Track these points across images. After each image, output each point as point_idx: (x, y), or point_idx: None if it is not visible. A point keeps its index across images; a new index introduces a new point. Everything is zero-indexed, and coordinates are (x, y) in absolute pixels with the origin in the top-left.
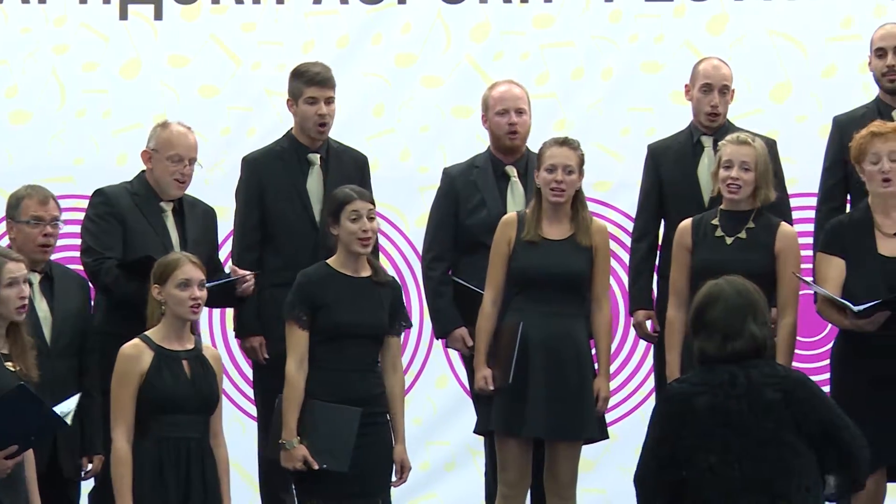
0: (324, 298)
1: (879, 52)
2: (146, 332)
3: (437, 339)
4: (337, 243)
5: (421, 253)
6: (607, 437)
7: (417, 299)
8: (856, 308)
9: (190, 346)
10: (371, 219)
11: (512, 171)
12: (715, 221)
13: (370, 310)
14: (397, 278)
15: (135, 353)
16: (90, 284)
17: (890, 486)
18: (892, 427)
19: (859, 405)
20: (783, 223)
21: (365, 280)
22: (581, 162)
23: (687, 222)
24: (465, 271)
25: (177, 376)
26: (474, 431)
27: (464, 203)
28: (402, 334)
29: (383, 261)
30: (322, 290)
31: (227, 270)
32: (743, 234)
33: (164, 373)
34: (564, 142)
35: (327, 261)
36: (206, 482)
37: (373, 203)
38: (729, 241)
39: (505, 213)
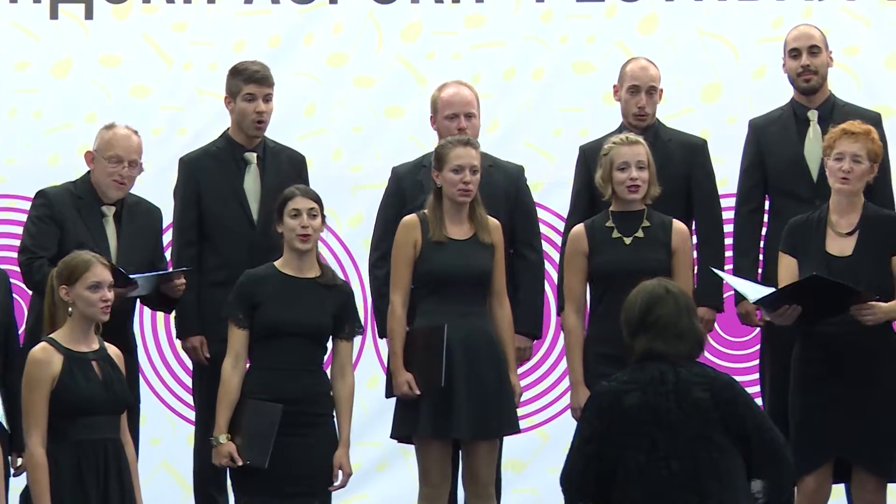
0: (261, 297)
1: (794, 53)
2: (51, 336)
3: (381, 337)
4: (282, 242)
5: (369, 250)
6: (519, 430)
7: None
8: (752, 299)
9: (96, 346)
10: (313, 216)
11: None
12: (609, 224)
13: (309, 310)
14: (347, 285)
15: (45, 358)
16: (22, 281)
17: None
18: (833, 424)
19: (804, 402)
20: (675, 221)
21: (309, 280)
22: (481, 159)
23: (580, 227)
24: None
25: (89, 378)
26: (391, 437)
27: (410, 202)
28: (353, 339)
29: None
30: (260, 289)
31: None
32: (640, 234)
33: (76, 376)
34: (468, 142)
35: (275, 262)
36: (123, 482)
37: (317, 201)
38: (627, 241)
39: None
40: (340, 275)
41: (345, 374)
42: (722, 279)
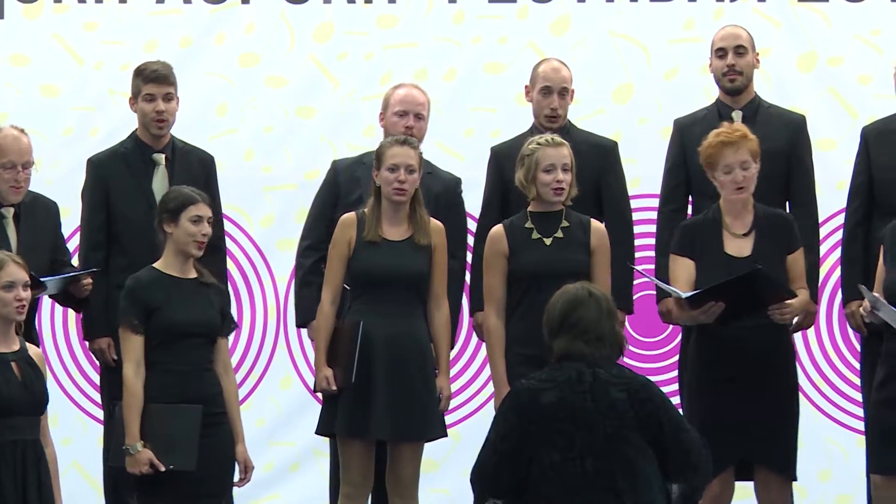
0: (156, 301)
1: (720, 53)
2: None
3: (298, 326)
4: (166, 243)
5: (299, 239)
6: (446, 435)
7: (262, 299)
8: (684, 295)
9: (16, 347)
10: (209, 222)
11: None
12: (528, 224)
13: (203, 310)
14: (220, 284)
15: None
16: None
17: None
18: (734, 426)
19: (705, 405)
20: (594, 220)
21: (193, 281)
22: (420, 161)
23: (499, 228)
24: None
25: (9, 379)
26: (316, 432)
27: (344, 196)
28: (231, 336)
29: (226, 261)
30: (153, 293)
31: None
32: (560, 234)
33: None
34: (405, 141)
35: (154, 264)
36: (42, 484)
37: (212, 208)
38: (548, 241)
39: None
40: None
41: (228, 370)
42: (632, 281)
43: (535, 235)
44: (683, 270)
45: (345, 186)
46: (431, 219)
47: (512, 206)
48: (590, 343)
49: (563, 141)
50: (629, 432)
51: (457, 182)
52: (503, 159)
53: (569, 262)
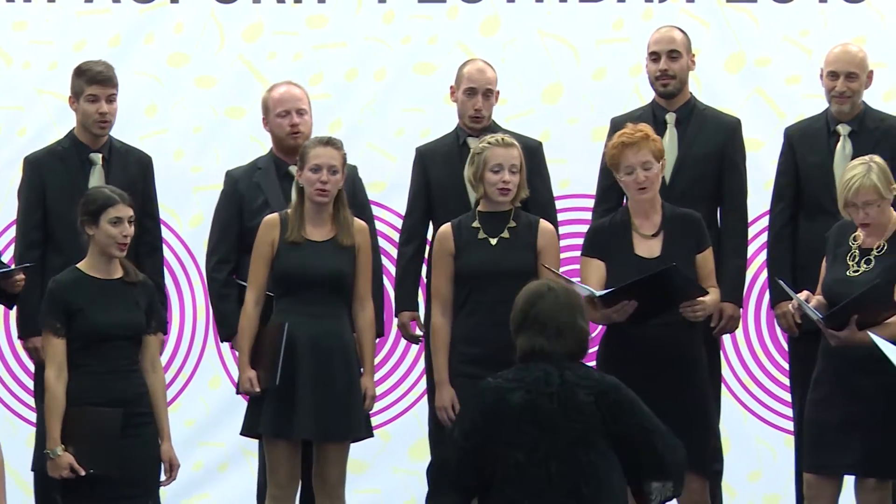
0: (78, 303)
1: (654, 56)
2: None
3: (222, 341)
4: (89, 243)
5: (206, 255)
6: (371, 436)
7: (191, 299)
8: (597, 294)
9: None
10: (131, 223)
11: (295, 170)
12: (475, 224)
13: (126, 310)
14: (149, 280)
15: None
16: None
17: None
18: None
19: None
20: (542, 220)
21: (117, 281)
22: (344, 161)
23: (447, 227)
24: (248, 272)
25: None
26: (241, 433)
27: (247, 204)
28: (160, 333)
29: None
30: (75, 296)
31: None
32: (506, 234)
33: None
34: (328, 142)
35: (77, 265)
36: None
37: (133, 207)
38: (493, 241)
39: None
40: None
41: (156, 368)
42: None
43: (482, 235)
44: (595, 272)
45: (246, 194)
46: (355, 219)
47: (436, 206)
48: (550, 338)
49: (514, 142)
50: (593, 436)
51: (354, 171)
52: (427, 160)
53: (513, 262)
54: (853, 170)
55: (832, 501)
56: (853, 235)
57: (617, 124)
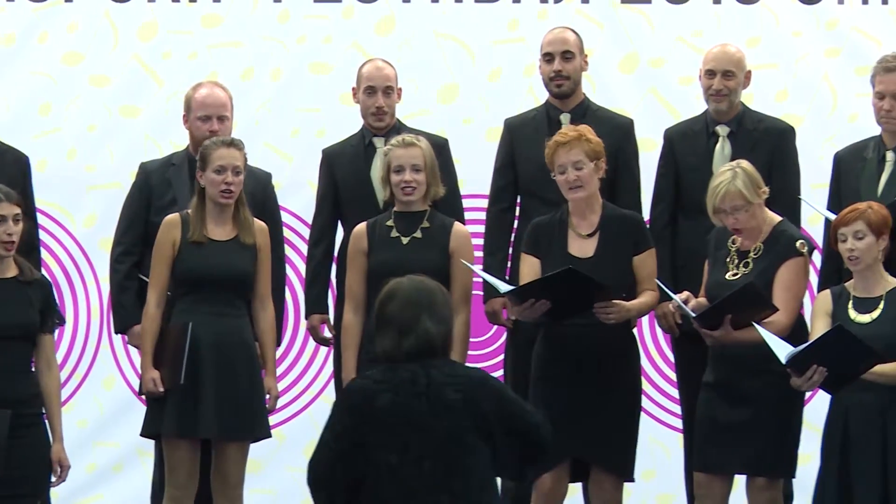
0: None
1: (547, 57)
2: None
3: (116, 333)
4: None
5: (112, 245)
6: (270, 436)
7: (85, 300)
8: (503, 289)
9: None
10: (16, 221)
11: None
12: (389, 223)
13: (19, 310)
14: (47, 275)
15: None
16: None
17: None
18: (571, 424)
19: (543, 401)
20: (456, 222)
21: (10, 281)
22: (245, 162)
23: (362, 226)
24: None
25: None
26: (141, 434)
27: (156, 199)
28: (56, 332)
29: (50, 261)
30: None
31: None
32: (419, 234)
33: None
34: (231, 143)
35: None
36: None
37: (20, 205)
38: (405, 241)
39: None
40: (61, 273)
41: (51, 367)
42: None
43: (395, 234)
44: (530, 269)
45: (156, 189)
46: (255, 219)
47: (344, 206)
48: (392, 338)
49: (415, 141)
50: (464, 433)
51: (268, 177)
52: (334, 160)
53: (422, 261)
54: (720, 176)
55: (722, 500)
56: (731, 238)
57: (510, 125)
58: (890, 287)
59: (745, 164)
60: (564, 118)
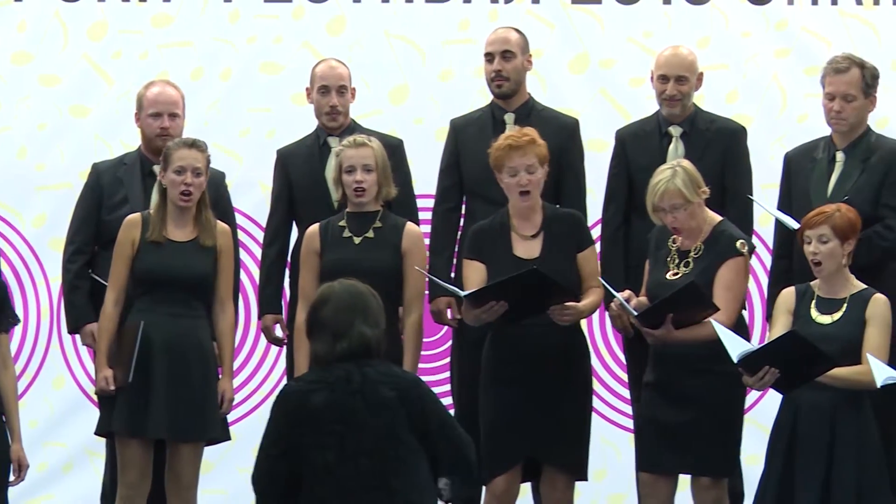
0: None
1: (489, 57)
2: None
3: (69, 332)
4: None
5: (64, 244)
6: (229, 439)
7: (35, 299)
8: (462, 293)
9: None
10: None
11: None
12: (342, 223)
13: None
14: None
15: None
16: None
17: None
18: (523, 425)
19: (495, 403)
20: (409, 223)
21: None
22: (208, 163)
23: (314, 227)
24: (103, 266)
25: None
26: (95, 433)
27: (107, 199)
28: (10, 331)
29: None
30: None
31: None
32: (371, 234)
33: None
34: (193, 144)
35: None
36: None
37: None
38: (358, 241)
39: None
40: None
41: (7, 366)
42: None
43: (347, 234)
44: (475, 274)
45: (108, 188)
46: (218, 221)
47: (298, 206)
48: (326, 342)
49: (367, 141)
50: (400, 431)
51: (222, 176)
52: (288, 161)
53: (373, 262)
54: (659, 174)
55: (667, 500)
56: (672, 238)
57: (456, 126)
58: (855, 290)
59: (685, 163)
60: (509, 118)
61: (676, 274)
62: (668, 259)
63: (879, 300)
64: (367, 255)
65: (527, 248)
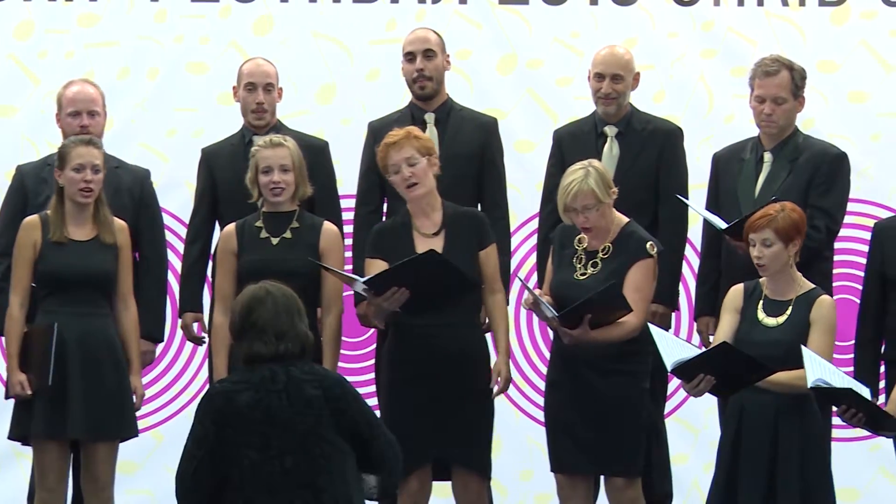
0: None
1: (409, 57)
2: None
3: None
4: None
5: None
6: (136, 435)
7: None
8: (361, 280)
9: None
10: None
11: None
12: (258, 224)
13: None
14: None
15: None
16: None
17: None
18: (428, 424)
19: (402, 404)
20: (326, 222)
21: None
22: (104, 160)
23: (231, 227)
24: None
25: None
26: (8, 437)
27: (32, 199)
28: None
29: None
30: None
31: None
32: (288, 234)
33: None
34: (90, 141)
35: None
36: None
37: None
38: (275, 241)
39: None
40: None
41: None
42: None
43: (264, 234)
44: (377, 271)
45: (32, 189)
46: (115, 218)
47: (222, 206)
48: (269, 343)
49: (283, 142)
50: (325, 429)
51: (146, 174)
52: (212, 159)
53: (293, 262)
54: (571, 175)
55: (586, 500)
56: (578, 238)
57: (375, 128)
58: (802, 291)
59: (596, 163)
60: (429, 118)
61: (584, 274)
62: (575, 259)
63: (824, 303)
64: (285, 255)
65: (428, 245)
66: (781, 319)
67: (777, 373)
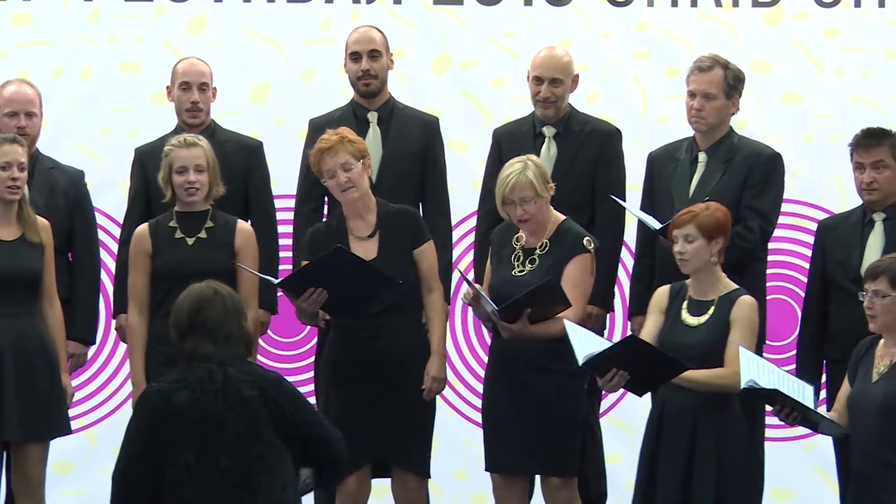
0: None
1: (354, 57)
2: None
3: None
4: None
5: None
6: (70, 432)
7: None
8: (275, 281)
9: None
10: None
11: None
12: (172, 224)
13: None
14: None
15: None
16: None
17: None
18: (367, 424)
19: (341, 404)
20: (240, 221)
21: None
22: (28, 159)
23: (144, 227)
24: None
25: None
26: None
27: None
28: None
29: None
30: None
31: None
32: (203, 234)
33: None
34: (14, 139)
35: None
36: None
37: None
38: (190, 241)
39: None
40: None
41: None
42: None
43: (179, 235)
44: None
45: None
46: (38, 217)
47: (155, 206)
48: (218, 343)
49: (198, 141)
50: (262, 430)
51: (81, 175)
52: (145, 159)
53: (209, 262)
54: (510, 167)
55: (521, 499)
56: (516, 237)
57: (315, 125)
58: (724, 291)
59: (534, 158)
60: (372, 116)
61: (523, 271)
62: (513, 257)
63: (744, 302)
64: (202, 255)
65: (363, 248)
66: (703, 319)
67: (695, 370)
